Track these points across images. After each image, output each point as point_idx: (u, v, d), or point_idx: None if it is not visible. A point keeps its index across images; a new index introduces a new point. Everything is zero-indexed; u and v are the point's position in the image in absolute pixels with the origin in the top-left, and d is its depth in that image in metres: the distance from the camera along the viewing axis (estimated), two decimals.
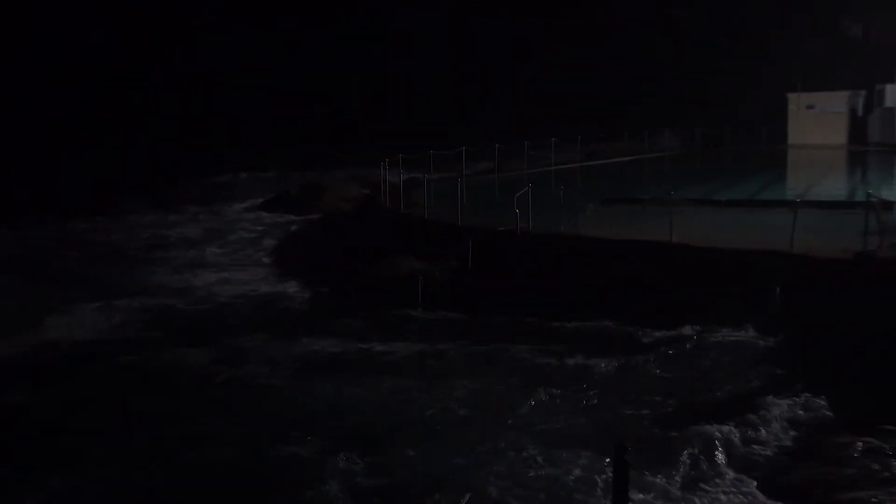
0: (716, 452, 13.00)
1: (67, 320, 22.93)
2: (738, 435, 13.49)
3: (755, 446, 13.34)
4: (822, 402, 14.65)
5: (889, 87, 40.66)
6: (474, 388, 16.77)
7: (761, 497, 12.05)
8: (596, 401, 15.72)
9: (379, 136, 38.14)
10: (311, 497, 12.53)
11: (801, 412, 14.50)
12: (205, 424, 15.76)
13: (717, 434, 13.44)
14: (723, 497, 11.96)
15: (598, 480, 12.11)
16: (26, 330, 21.72)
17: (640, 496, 11.01)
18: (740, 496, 12.03)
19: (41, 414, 16.95)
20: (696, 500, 11.86)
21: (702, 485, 12.27)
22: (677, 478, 12.38)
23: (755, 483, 12.29)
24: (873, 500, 11.73)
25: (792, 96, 42.11)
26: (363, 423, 15.43)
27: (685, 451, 12.98)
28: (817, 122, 41.68)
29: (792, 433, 13.82)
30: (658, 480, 12.18)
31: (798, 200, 21.63)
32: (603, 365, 17.40)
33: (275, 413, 16.26)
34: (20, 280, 27.53)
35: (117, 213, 40.82)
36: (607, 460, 11.69)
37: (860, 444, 12.93)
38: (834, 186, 30.09)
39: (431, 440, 14.54)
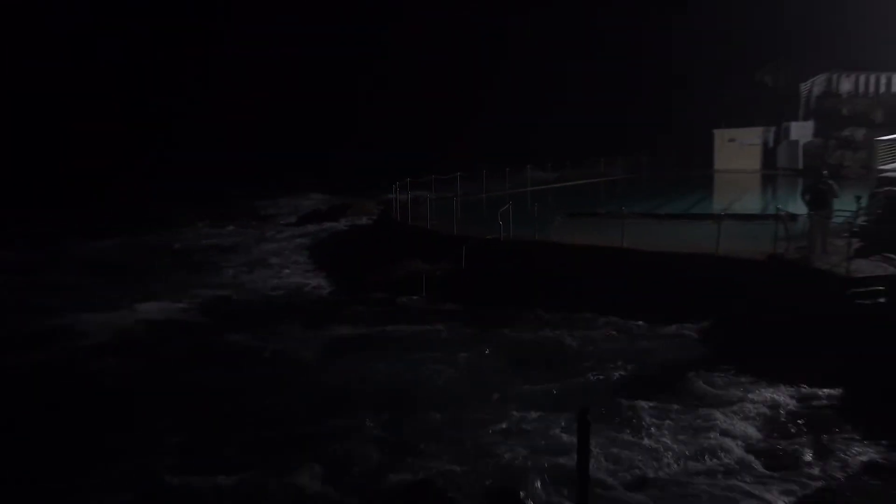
0: (649, 411, 13.62)
1: (149, 307, 23.44)
2: (666, 399, 14.04)
3: (677, 406, 13.87)
4: (738, 372, 15.26)
5: (793, 125, 41.33)
6: (467, 361, 17.27)
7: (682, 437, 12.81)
8: (562, 372, 16.14)
9: (390, 163, 38.34)
10: (338, 447, 13.03)
11: (718, 380, 15.06)
12: (253, 390, 16.35)
13: (652, 400, 14.05)
14: (643, 443, 12.65)
15: (564, 436, 12.76)
16: (120, 315, 22.29)
17: (594, 440, 10.93)
18: (664, 440, 12.76)
19: (129, 374, 17.76)
20: (636, 443, 12.57)
21: (639, 433, 12.97)
22: (625, 430, 13.05)
23: (668, 431, 12.99)
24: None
25: (717, 132, 42.50)
26: (378, 388, 15.95)
27: (632, 411, 13.62)
28: (737, 152, 41.96)
29: (711, 391, 14.51)
30: (610, 432, 12.87)
31: (722, 214, 21.77)
32: (568, 345, 17.77)
33: (308, 381, 16.73)
34: (113, 278, 27.81)
35: (181, 227, 40.80)
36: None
37: (742, 415, 13.62)
38: (750, 202, 30.12)
39: (434, 401, 15.01)
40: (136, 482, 12.25)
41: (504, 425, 13.68)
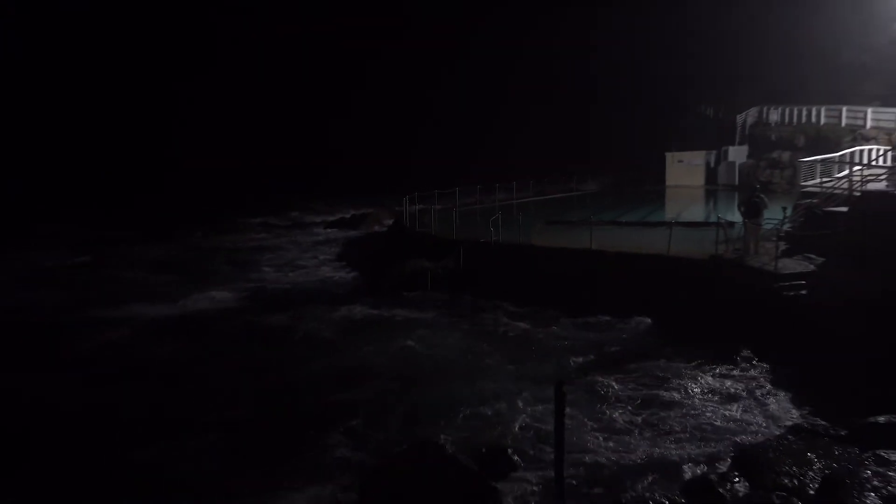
0: (605, 387, 13.68)
1: (204, 297, 23.62)
2: (617, 379, 14.03)
3: (629, 384, 13.91)
4: (682, 358, 15.13)
5: (730, 148, 41.30)
6: (461, 342, 17.42)
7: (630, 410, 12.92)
8: (541, 353, 16.22)
9: (401, 180, 38.33)
10: (356, 411, 13.15)
11: (663, 363, 15.03)
12: (288, 362, 16.55)
13: (609, 378, 14.09)
14: (608, 412, 12.75)
15: (540, 406, 12.78)
16: (181, 303, 22.45)
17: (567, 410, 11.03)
18: (616, 411, 12.88)
19: (185, 352, 17.98)
20: (596, 412, 12.70)
21: (599, 404, 13.09)
22: (588, 403, 13.12)
23: (628, 402, 13.14)
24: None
25: (668, 154, 42.44)
26: (387, 362, 16.09)
27: (595, 386, 13.72)
28: (685, 170, 41.89)
29: (659, 374, 14.42)
30: (579, 403, 12.92)
31: (672, 221, 21.81)
32: (543, 333, 17.81)
33: (332, 356, 16.85)
34: (173, 275, 27.77)
35: (228, 230, 40.80)
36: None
37: (691, 387, 13.64)
38: (696, 212, 29.98)
39: (433, 373, 15.18)
40: (190, 430, 12.70)
41: (492, 395, 13.72)
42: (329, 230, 38.96)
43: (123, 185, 59.76)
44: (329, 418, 12.90)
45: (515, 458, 10.90)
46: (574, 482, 10.03)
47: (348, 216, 40.96)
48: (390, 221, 35.01)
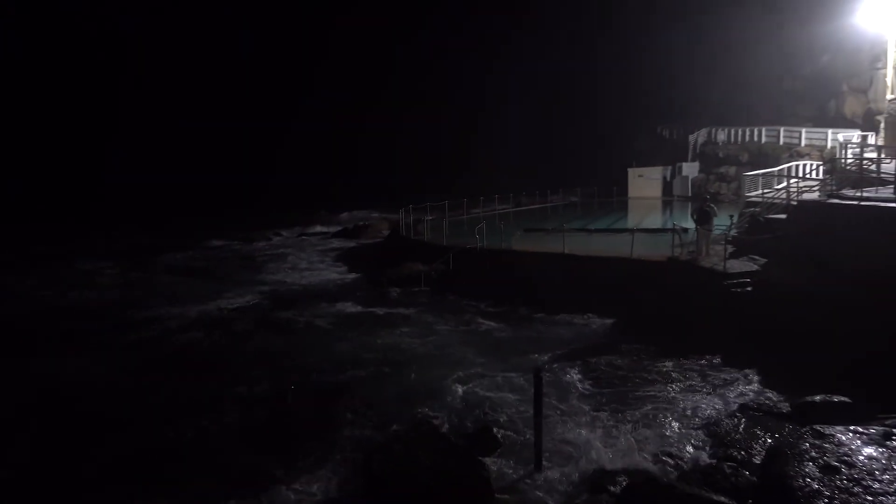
0: (573, 376, 13.67)
1: (224, 297, 23.39)
2: (580, 369, 13.99)
3: (595, 374, 13.82)
4: (642, 349, 15.04)
5: (684, 164, 41.62)
6: (450, 334, 17.38)
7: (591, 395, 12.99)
8: (515, 348, 16.02)
9: (399, 193, 38.15)
10: (354, 393, 13.22)
11: (625, 354, 15.05)
12: (295, 351, 16.56)
13: (576, 368, 14.09)
14: (576, 398, 12.76)
15: (517, 394, 12.76)
16: (202, 306, 22.05)
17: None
18: (583, 397, 12.95)
19: (211, 343, 18.04)
20: (564, 398, 12.62)
21: (568, 391, 13.09)
22: (558, 390, 13.07)
23: (594, 389, 13.19)
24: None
25: (630, 170, 42.59)
26: (381, 352, 16.05)
27: (561, 375, 13.71)
28: (645, 184, 42.02)
29: (621, 365, 14.35)
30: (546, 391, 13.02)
31: (635, 228, 21.80)
32: (519, 329, 17.72)
33: (333, 346, 16.74)
34: (196, 280, 27.46)
35: (243, 239, 40.27)
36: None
37: (652, 374, 13.72)
38: (654, 220, 30.02)
39: (422, 361, 15.15)
40: (214, 410, 12.79)
41: (476, 381, 13.70)
42: (333, 240, 38.53)
43: (131, 191, 57.54)
44: (333, 399, 12.99)
45: (500, 436, 10.89)
46: (548, 454, 10.03)
47: (351, 227, 40.63)
48: (387, 231, 34.83)
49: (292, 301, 22.23)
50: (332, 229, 41.76)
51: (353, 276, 26.77)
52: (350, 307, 20.93)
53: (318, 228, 43.99)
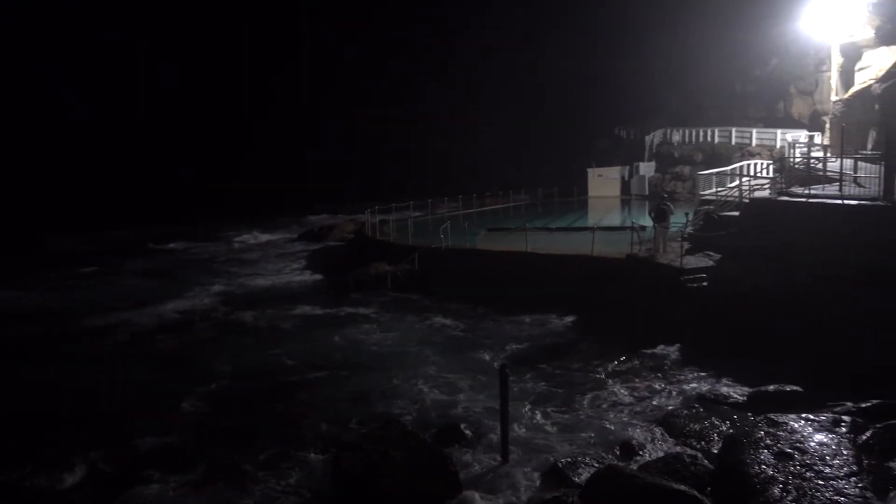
0: (531, 374, 13.78)
1: (184, 298, 23.03)
2: (542, 366, 14.09)
3: (558, 370, 14.01)
4: (603, 343, 15.26)
5: (641, 164, 42.16)
6: (413, 334, 17.32)
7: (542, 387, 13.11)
8: (476, 344, 16.05)
9: (363, 195, 37.59)
10: (314, 392, 13.24)
11: (585, 349, 15.21)
12: (252, 352, 16.41)
13: (534, 366, 14.16)
14: (540, 393, 12.95)
15: (485, 384, 12.84)
16: (162, 307, 21.65)
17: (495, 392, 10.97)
18: (548, 392, 13.07)
19: (170, 343, 17.76)
20: (529, 393, 12.72)
21: (532, 385, 13.29)
22: (518, 386, 13.27)
23: (556, 384, 13.27)
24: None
25: (590, 170, 42.80)
26: (342, 351, 15.97)
27: (522, 373, 13.67)
28: (604, 183, 42.23)
29: (582, 359, 14.47)
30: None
31: (595, 227, 21.83)
32: (482, 327, 17.70)
33: (295, 347, 16.49)
34: (157, 282, 26.79)
35: (204, 242, 39.10)
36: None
37: (612, 369, 13.91)
38: (613, 218, 30.25)
39: (384, 361, 15.12)
40: (175, 410, 12.70)
41: (440, 378, 13.67)
42: (297, 242, 37.64)
43: (112, 194, 54.98)
44: (296, 399, 12.97)
45: (467, 432, 10.90)
46: (513, 449, 10.09)
47: (316, 229, 39.72)
48: (353, 231, 34.38)
49: (253, 303, 21.76)
50: (297, 232, 40.77)
51: (316, 277, 26.30)
52: (313, 309, 20.59)
53: (283, 232, 42.86)
